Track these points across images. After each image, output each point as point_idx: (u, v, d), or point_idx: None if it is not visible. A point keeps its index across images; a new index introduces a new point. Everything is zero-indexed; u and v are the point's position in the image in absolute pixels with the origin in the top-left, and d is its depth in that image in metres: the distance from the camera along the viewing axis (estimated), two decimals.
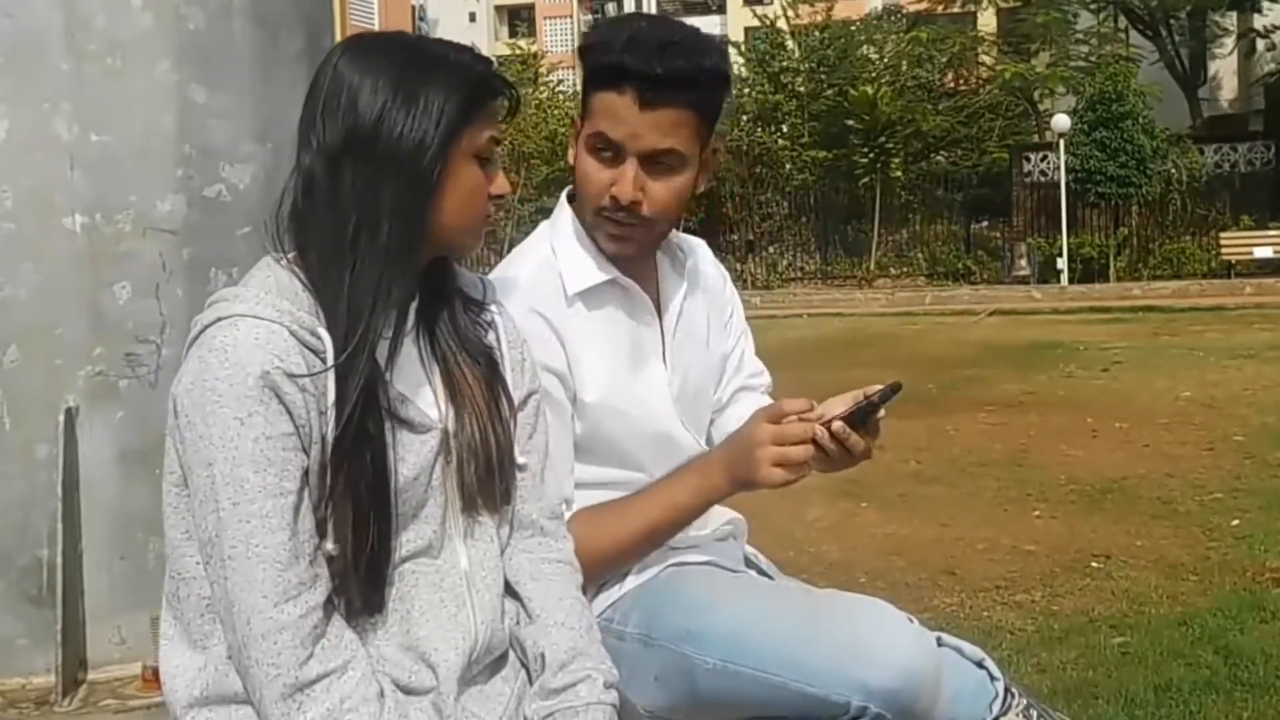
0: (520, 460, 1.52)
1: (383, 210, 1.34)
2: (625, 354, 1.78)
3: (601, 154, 1.69)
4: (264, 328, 1.31)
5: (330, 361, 1.33)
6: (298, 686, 1.30)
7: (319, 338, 1.33)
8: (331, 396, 1.33)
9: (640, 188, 1.68)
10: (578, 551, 1.60)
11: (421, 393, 1.45)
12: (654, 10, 49.07)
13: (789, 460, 1.61)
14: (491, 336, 1.54)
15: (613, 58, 1.65)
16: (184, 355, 1.36)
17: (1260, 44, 27.23)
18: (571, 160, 1.76)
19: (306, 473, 1.32)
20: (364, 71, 1.37)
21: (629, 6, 50.87)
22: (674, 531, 1.73)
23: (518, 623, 1.51)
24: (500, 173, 1.46)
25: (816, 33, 26.07)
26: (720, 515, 1.92)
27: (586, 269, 1.75)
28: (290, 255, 1.39)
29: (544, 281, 1.73)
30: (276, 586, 1.30)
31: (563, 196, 1.84)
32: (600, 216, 1.72)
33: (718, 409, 1.97)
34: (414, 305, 1.46)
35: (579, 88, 1.83)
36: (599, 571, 1.70)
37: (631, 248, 1.75)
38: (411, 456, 1.40)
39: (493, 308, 1.56)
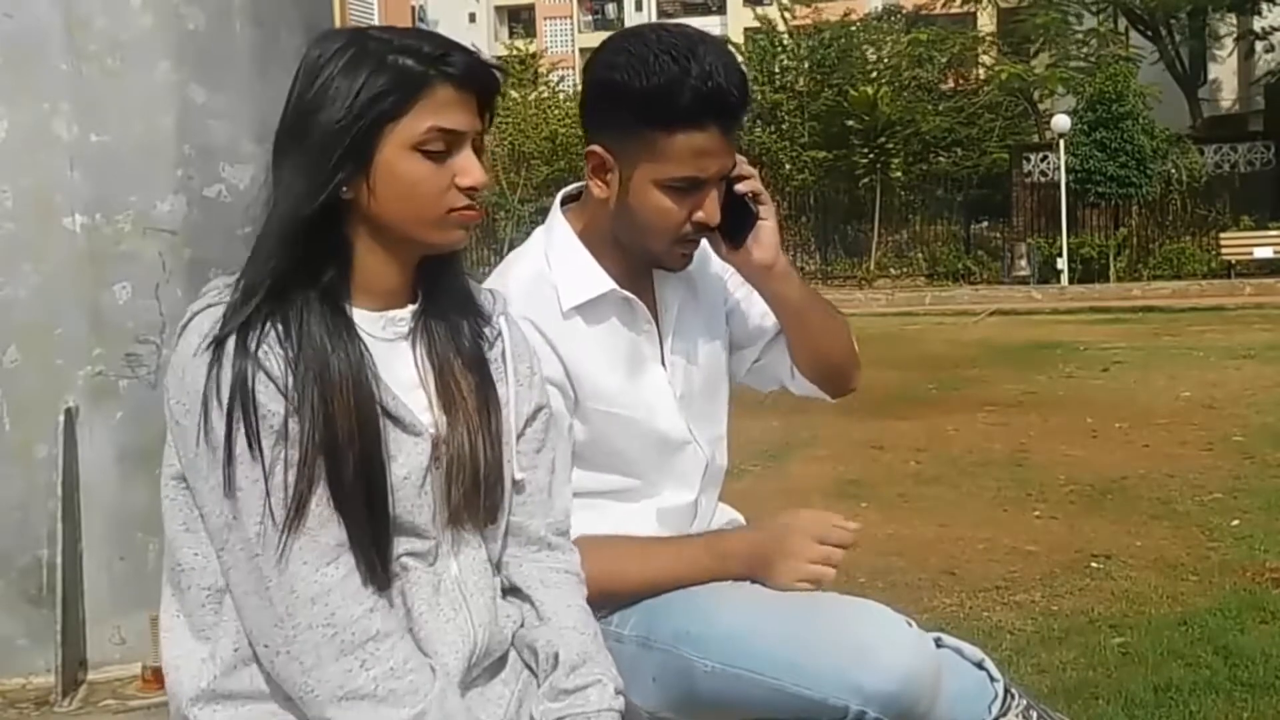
0: (520, 476, 1.50)
1: (294, 196, 1.34)
2: (623, 361, 1.76)
3: (678, 191, 1.66)
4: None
5: None
6: (358, 642, 1.31)
7: None
8: (319, 382, 1.33)
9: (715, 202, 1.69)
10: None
11: (414, 395, 1.44)
12: (654, 12, 49.09)
13: (819, 578, 1.66)
14: (496, 351, 1.51)
15: (692, 96, 1.59)
16: (174, 342, 1.37)
17: (1259, 45, 27.22)
18: (601, 191, 1.70)
19: (317, 444, 1.32)
20: (307, 66, 1.38)
21: (629, 6, 50.86)
22: (666, 592, 1.72)
23: (522, 624, 1.51)
24: (470, 161, 1.39)
25: (815, 32, 26.07)
26: (720, 516, 1.93)
27: (582, 283, 1.73)
28: None
29: (536, 293, 1.71)
30: (314, 552, 1.31)
31: (556, 205, 1.81)
32: (677, 243, 1.71)
33: (756, 359, 1.95)
34: (412, 309, 1.46)
35: (594, 113, 1.70)
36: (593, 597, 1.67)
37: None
38: (403, 456, 1.39)
39: (500, 321, 1.54)
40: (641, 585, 1.71)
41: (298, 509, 1.30)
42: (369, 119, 1.34)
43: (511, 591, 1.53)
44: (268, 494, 1.30)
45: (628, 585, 1.71)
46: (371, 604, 1.33)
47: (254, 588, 1.32)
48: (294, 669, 1.32)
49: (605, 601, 1.67)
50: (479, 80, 1.39)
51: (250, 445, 1.30)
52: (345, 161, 1.34)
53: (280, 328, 1.33)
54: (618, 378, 1.75)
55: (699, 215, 1.68)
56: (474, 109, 1.40)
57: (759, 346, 1.94)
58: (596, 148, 1.69)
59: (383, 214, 1.38)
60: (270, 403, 1.31)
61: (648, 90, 1.61)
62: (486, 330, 1.52)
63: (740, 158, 1.75)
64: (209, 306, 1.35)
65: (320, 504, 1.31)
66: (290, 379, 1.32)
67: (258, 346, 1.31)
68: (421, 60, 1.36)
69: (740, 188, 1.75)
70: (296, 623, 1.30)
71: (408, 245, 1.42)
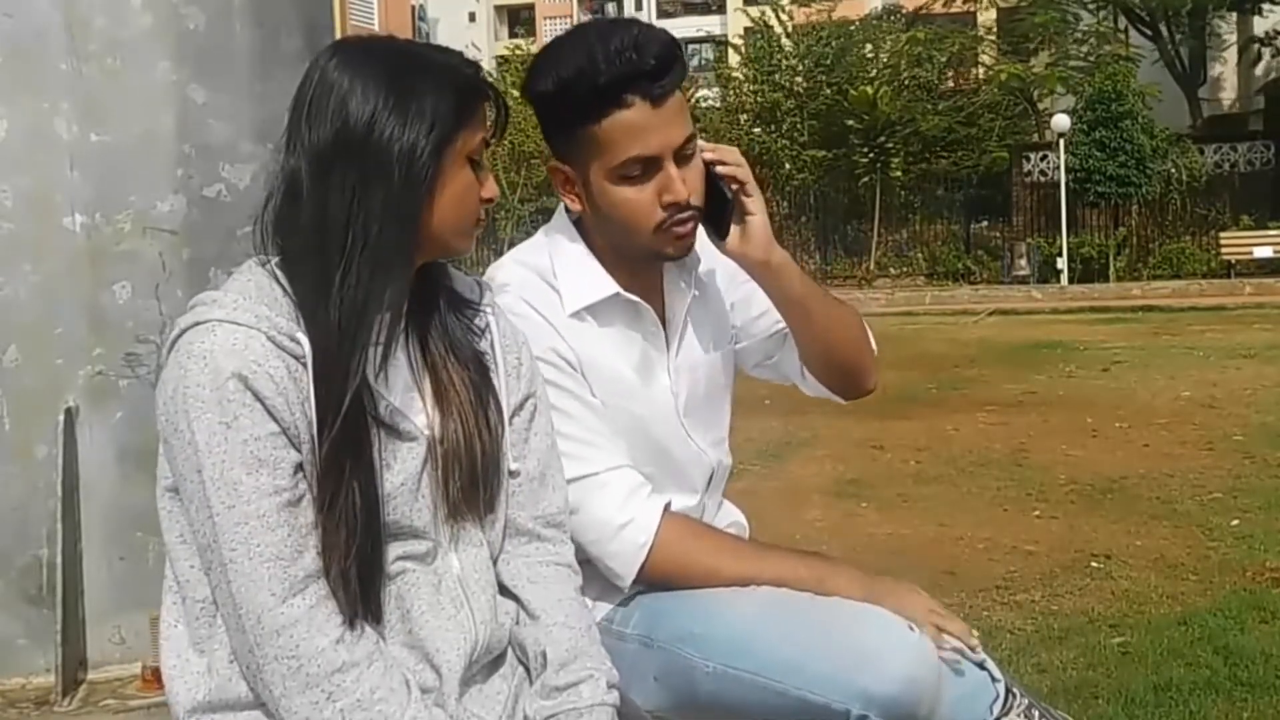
0: (513, 467, 1.51)
1: (373, 213, 1.33)
2: (630, 366, 1.75)
3: (634, 178, 1.64)
4: (241, 333, 1.31)
5: (309, 366, 1.32)
6: (324, 674, 1.30)
7: (298, 342, 1.33)
8: (313, 401, 1.32)
9: (683, 180, 1.65)
10: (667, 550, 1.65)
11: (410, 399, 1.44)
12: (654, 11, 49.09)
13: (944, 628, 1.64)
14: (485, 342, 1.52)
15: (604, 77, 1.58)
16: (163, 358, 1.36)
17: (1263, 50, 27.21)
18: (575, 204, 1.70)
19: (299, 468, 1.32)
20: (354, 76, 1.36)
21: (629, 7, 50.87)
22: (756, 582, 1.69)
23: (517, 622, 1.51)
24: (489, 176, 1.46)
25: (813, 32, 26.04)
26: (724, 517, 1.92)
27: (586, 287, 1.72)
28: (275, 259, 1.38)
29: (540, 292, 1.70)
30: (283, 583, 1.30)
31: (561, 207, 1.79)
32: (661, 231, 1.67)
33: (767, 355, 1.93)
34: (403, 309, 1.46)
35: (543, 130, 1.72)
36: (670, 578, 1.68)
37: (694, 238, 1.73)
38: (398, 464, 1.39)
39: (488, 310, 1.54)
40: (743, 576, 1.67)
41: (272, 540, 1.30)
42: (448, 132, 1.37)
43: (501, 590, 1.52)
44: (244, 520, 1.29)
45: (731, 574, 1.67)
46: (339, 634, 1.32)
47: (230, 611, 1.32)
48: (267, 695, 1.33)
49: (687, 583, 1.67)
50: (497, 95, 1.45)
51: (235, 475, 1.29)
52: (433, 178, 1.37)
53: (288, 360, 1.32)
54: (623, 376, 1.74)
55: (667, 196, 1.65)
56: None
57: (766, 341, 1.91)
58: (555, 163, 1.70)
59: (433, 223, 1.39)
60: (265, 435, 1.30)
61: (563, 87, 1.61)
62: (476, 321, 1.52)
63: (727, 148, 1.74)
64: (196, 324, 1.33)
65: (294, 534, 1.31)
66: (290, 410, 1.31)
67: (258, 376, 1.30)
68: (468, 75, 1.41)
69: (717, 169, 1.72)
70: (264, 653, 1.31)
71: (435, 252, 1.44)
